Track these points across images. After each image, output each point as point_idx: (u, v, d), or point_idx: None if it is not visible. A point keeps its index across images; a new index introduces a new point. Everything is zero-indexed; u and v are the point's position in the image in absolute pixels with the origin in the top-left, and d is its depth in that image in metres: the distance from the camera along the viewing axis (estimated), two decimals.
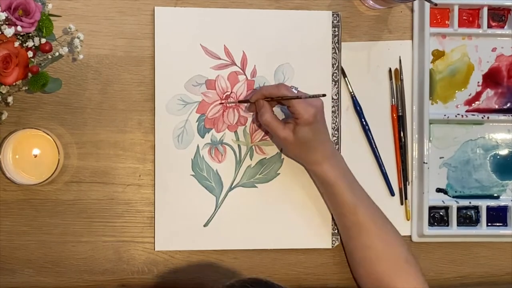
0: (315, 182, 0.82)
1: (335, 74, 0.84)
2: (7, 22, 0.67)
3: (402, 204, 0.85)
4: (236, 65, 0.83)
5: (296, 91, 0.76)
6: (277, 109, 0.82)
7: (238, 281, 0.60)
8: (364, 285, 0.79)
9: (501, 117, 0.87)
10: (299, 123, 0.75)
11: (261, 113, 0.77)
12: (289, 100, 0.75)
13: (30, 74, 0.71)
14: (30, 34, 0.70)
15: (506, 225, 0.86)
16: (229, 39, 0.83)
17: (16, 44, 0.68)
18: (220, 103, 0.82)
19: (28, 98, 0.80)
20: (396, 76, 0.86)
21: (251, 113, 0.82)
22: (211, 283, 0.83)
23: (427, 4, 0.84)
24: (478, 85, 0.87)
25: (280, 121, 0.77)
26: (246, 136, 0.83)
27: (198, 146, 0.82)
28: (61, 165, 0.77)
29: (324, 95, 0.74)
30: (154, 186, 0.81)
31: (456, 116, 0.86)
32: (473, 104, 0.87)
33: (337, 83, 0.84)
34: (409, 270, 0.76)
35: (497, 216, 0.87)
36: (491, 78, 0.87)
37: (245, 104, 0.82)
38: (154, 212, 0.81)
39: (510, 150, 0.88)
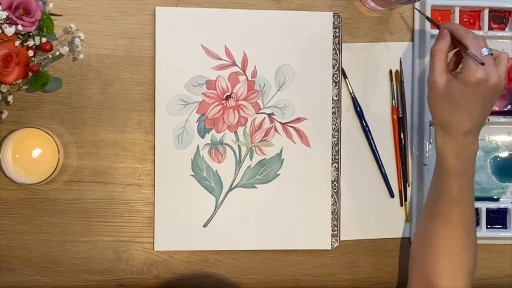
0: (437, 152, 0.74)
1: (335, 75, 0.84)
2: (7, 21, 0.67)
3: (402, 205, 0.85)
4: (236, 65, 0.83)
5: (487, 53, 0.68)
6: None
7: None
8: (417, 273, 0.75)
9: (501, 119, 0.87)
10: (460, 77, 0.68)
11: (438, 42, 0.71)
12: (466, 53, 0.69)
13: (30, 73, 0.71)
14: (31, 33, 0.70)
15: (506, 228, 0.86)
16: (230, 39, 0.82)
17: (17, 43, 0.68)
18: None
19: (28, 97, 0.80)
20: (396, 77, 0.86)
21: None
22: (210, 284, 0.83)
23: (428, 6, 0.84)
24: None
25: (446, 64, 0.71)
26: (246, 136, 0.83)
27: (198, 147, 0.82)
28: (60, 165, 0.77)
29: (483, 64, 0.66)
30: (154, 186, 0.81)
31: None
32: None
33: (337, 84, 0.84)
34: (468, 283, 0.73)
35: (496, 218, 0.87)
36: None
37: (245, 104, 0.82)
38: (154, 212, 0.81)
39: (510, 152, 0.88)
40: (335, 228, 0.83)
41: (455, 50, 0.75)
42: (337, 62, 0.84)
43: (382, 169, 0.85)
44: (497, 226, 0.87)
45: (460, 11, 0.85)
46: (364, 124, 0.85)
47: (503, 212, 0.87)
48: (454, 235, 0.73)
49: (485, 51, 0.69)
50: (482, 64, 0.67)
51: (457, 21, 0.85)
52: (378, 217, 0.85)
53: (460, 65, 0.74)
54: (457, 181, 0.72)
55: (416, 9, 0.83)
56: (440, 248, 0.73)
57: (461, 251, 0.73)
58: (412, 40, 0.86)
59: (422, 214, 0.79)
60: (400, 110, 0.85)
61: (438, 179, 0.74)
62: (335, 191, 0.84)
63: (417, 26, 0.85)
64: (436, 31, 0.85)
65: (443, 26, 0.73)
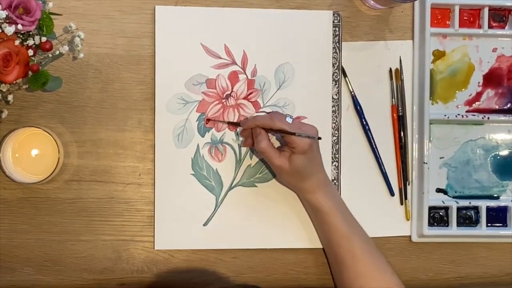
0: (307, 211, 0.82)
1: (335, 74, 0.84)
2: (7, 20, 0.67)
3: (402, 204, 0.85)
4: (236, 64, 0.83)
5: (291, 120, 0.75)
6: (272, 137, 0.82)
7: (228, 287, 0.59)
8: None
9: (502, 117, 0.87)
10: (294, 152, 0.75)
11: (257, 140, 0.76)
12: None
13: (30, 73, 0.71)
14: (31, 33, 0.70)
15: (506, 226, 0.86)
16: (230, 38, 0.82)
17: (17, 42, 0.68)
18: (207, 121, 0.81)
19: (28, 97, 0.80)
20: (396, 76, 0.86)
21: (241, 139, 0.82)
22: (211, 283, 0.83)
23: (428, 4, 0.84)
24: (479, 86, 0.87)
25: (276, 149, 0.77)
26: None
27: (198, 145, 0.82)
28: (61, 164, 0.77)
29: (319, 138, 0.75)
30: (154, 185, 0.81)
31: (456, 116, 0.86)
32: (473, 105, 0.87)
33: (337, 83, 0.84)
34: None
35: (497, 216, 0.87)
36: (492, 79, 0.87)
37: (245, 102, 0.82)
38: (154, 211, 0.81)
39: (510, 150, 0.88)
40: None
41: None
42: (337, 60, 0.84)
43: (382, 168, 0.85)
44: (497, 225, 0.87)
45: (460, 9, 0.85)
46: (364, 122, 0.85)
47: (503, 210, 0.87)
48: (367, 267, 0.76)
49: (289, 119, 0.76)
50: (302, 135, 0.74)
51: (457, 19, 0.85)
52: (378, 215, 0.85)
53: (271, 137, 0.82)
54: (341, 218, 0.77)
55: None
56: (362, 285, 0.76)
57: (383, 276, 0.76)
58: (412, 38, 0.86)
59: (330, 263, 0.82)
60: (400, 108, 0.85)
61: (324, 229, 0.79)
62: None
63: (417, 25, 0.85)
64: (436, 29, 0.85)
65: (247, 128, 0.79)
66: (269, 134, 0.78)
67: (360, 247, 0.77)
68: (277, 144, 0.82)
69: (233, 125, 0.82)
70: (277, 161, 0.76)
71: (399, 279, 0.77)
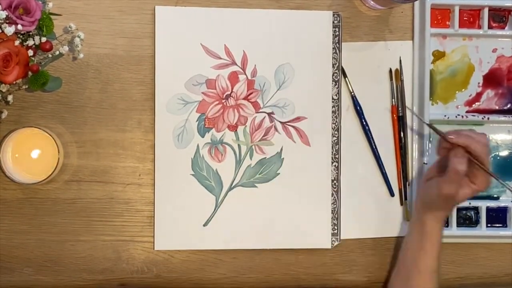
0: (410, 232, 0.81)
1: (335, 74, 0.84)
2: (7, 21, 0.67)
3: (402, 204, 0.85)
4: (236, 64, 0.83)
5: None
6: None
7: None
8: None
9: (502, 118, 0.87)
10: (472, 187, 0.74)
11: (460, 161, 0.73)
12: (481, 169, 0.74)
13: (30, 73, 0.71)
14: (31, 33, 0.70)
15: (506, 226, 0.86)
16: (230, 38, 0.82)
17: (17, 42, 0.68)
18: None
19: (28, 97, 0.80)
20: (396, 76, 0.86)
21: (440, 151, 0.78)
22: (211, 283, 0.83)
23: (428, 5, 0.84)
24: (479, 86, 0.87)
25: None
26: (246, 135, 0.83)
27: (198, 146, 0.82)
28: (60, 164, 0.77)
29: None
30: (154, 185, 0.81)
31: (456, 116, 0.86)
32: (473, 105, 0.87)
33: (337, 83, 0.84)
34: None
35: (496, 217, 0.87)
36: (492, 79, 0.87)
37: (245, 103, 0.82)
38: (154, 212, 0.81)
39: (510, 151, 0.88)
40: (335, 227, 0.83)
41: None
42: (337, 61, 0.84)
43: (382, 168, 0.85)
44: (497, 225, 0.87)
45: (459, 9, 0.85)
46: (364, 123, 0.85)
47: (503, 210, 0.87)
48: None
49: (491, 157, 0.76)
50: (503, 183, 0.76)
51: (457, 20, 0.85)
52: (378, 216, 0.85)
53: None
54: (437, 252, 0.77)
55: (430, 126, 0.81)
56: None
57: None
58: (412, 39, 0.86)
59: (396, 278, 0.81)
60: (400, 109, 0.85)
61: (417, 251, 0.78)
62: (335, 190, 0.84)
63: (417, 25, 0.85)
64: (436, 30, 0.85)
65: (460, 143, 0.74)
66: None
67: (437, 272, 0.77)
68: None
69: (444, 139, 0.76)
70: (461, 190, 0.74)
71: None
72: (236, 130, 0.83)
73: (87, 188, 0.81)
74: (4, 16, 0.66)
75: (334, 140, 0.84)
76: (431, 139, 0.85)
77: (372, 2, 0.84)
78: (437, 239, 0.77)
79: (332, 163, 0.84)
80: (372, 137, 0.85)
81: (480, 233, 0.85)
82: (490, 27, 0.87)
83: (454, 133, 0.75)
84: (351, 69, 0.85)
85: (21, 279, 0.80)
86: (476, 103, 0.87)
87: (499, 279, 0.87)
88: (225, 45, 0.82)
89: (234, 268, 0.83)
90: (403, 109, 0.85)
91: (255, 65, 0.83)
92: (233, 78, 0.83)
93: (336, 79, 0.84)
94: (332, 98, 0.84)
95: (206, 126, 0.82)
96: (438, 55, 0.87)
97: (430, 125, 0.80)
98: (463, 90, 0.87)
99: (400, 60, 0.86)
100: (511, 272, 0.87)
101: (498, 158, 0.87)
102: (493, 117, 0.86)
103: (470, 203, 0.86)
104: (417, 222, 0.78)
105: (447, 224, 0.85)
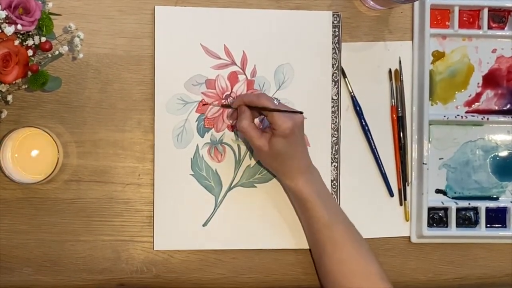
0: (289, 197, 0.82)
1: (335, 74, 0.84)
2: (7, 21, 0.67)
3: (401, 205, 0.85)
4: (236, 64, 0.83)
5: (277, 103, 0.75)
6: (257, 120, 0.81)
7: None
8: None
9: (501, 118, 0.87)
10: (275, 134, 0.74)
11: (240, 118, 0.76)
12: (268, 113, 0.75)
13: (30, 73, 0.71)
14: (30, 33, 0.70)
15: (505, 227, 0.86)
16: (229, 38, 0.83)
17: (16, 42, 0.68)
18: (203, 104, 0.81)
19: (27, 97, 0.80)
20: (396, 76, 0.86)
21: (231, 121, 0.82)
22: (210, 283, 0.83)
23: (428, 5, 0.84)
24: (478, 86, 0.87)
25: (258, 130, 0.76)
26: None
27: (197, 146, 0.82)
28: (60, 164, 0.77)
29: (301, 112, 0.75)
30: (153, 185, 0.81)
31: (456, 117, 0.86)
32: (473, 105, 0.87)
33: (337, 83, 0.84)
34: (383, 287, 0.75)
35: (496, 217, 0.87)
36: (491, 79, 0.87)
37: (228, 110, 0.82)
38: (153, 212, 0.81)
39: (510, 151, 0.88)
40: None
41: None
42: (336, 61, 0.84)
43: (382, 168, 0.85)
44: (497, 225, 0.87)
45: (459, 10, 0.85)
46: (364, 123, 0.85)
47: (503, 211, 0.87)
48: (348, 254, 0.76)
49: (276, 101, 0.75)
50: (286, 111, 0.75)
51: (456, 20, 0.85)
52: (377, 216, 0.85)
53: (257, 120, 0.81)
54: (322, 205, 0.76)
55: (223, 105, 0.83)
56: (342, 271, 0.76)
57: (364, 263, 0.76)
58: (412, 39, 0.86)
59: (312, 249, 0.81)
60: (399, 109, 0.85)
61: (305, 216, 0.78)
62: (334, 190, 0.84)
63: (416, 25, 0.85)
64: (435, 30, 0.85)
65: (236, 105, 0.78)
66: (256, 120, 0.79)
67: (340, 234, 0.76)
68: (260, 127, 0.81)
69: (226, 107, 0.81)
70: (257, 142, 0.75)
71: (380, 267, 0.76)
72: (235, 130, 0.83)
73: (87, 188, 0.81)
74: (4, 16, 0.66)
75: (333, 140, 0.84)
76: (430, 139, 0.85)
77: (371, 3, 0.84)
78: (308, 197, 0.77)
79: (332, 163, 0.84)
80: (371, 137, 0.85)
81: (480, 234, 0.85)
82: (489, 27, 0.87)
83: (235, 100, 0.79)
84: (351, 69, 0.85)
85: (21, 279, 0.80)
86: (476, 104, 0.87)
87: (499, 279, 0.87)
88: (224, 45, 0.82)
89: (233, 268, 0.83)
90: (403, 110, 0.85)
91: (254, 65, 0.83)
92: (233, 78, 0.83)
93: (336, 79, 0.84)
94: (332, 98, 0.84)
95: (205, 126, 0.82)
96: (438, 56, 0.87)
97: (222, 105, 0.82)
98: (462, 90, 0.87)
99: (400, 61, 0.86)
100: (511, 272, 0.87)
101: (498, 158, 0.87)
102: (492, 118, 0.86)
103: (469, 204, 0.86)
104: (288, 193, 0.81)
105: (446, 224, 0.85)
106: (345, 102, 0.85)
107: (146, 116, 0.82)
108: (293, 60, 0.83)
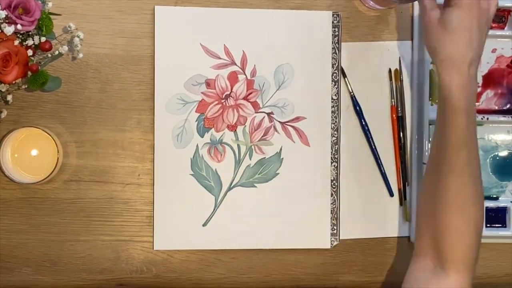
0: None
1: (335, 74, 0.84)
2: (7, 20, 0.67)
3: (401, 204, 0.85)
4: (236, 64, 0.83)
5: None
6: None
7: None
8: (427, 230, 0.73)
9: (501, 118, 0.87)
10: (452, 3, 0.68)
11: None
12: None
13: (29, 73, 0.71)
14: (30, 33, 0.70)
15: (505, 227, 0.86)
16: (229, 38, 0.82)
17: (16, 42, 0.68)
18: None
19: (27, 97, 0.80)
20: (396, 76, 0.86)
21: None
22: (210, 283, 0.83)
23: None
24: (478, 86, 0.87)
25: (435, 2, 0.70)
26: (245, 135, 0.83)
27: (197, 146, 0.82)
28: (60, 164, 0.77)
29: None
30: (153, 185, 0.81)
31: None
32: None
33: (336, 83, 0.84)
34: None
35: (496, 217, 0.87)
36: (491, 79, 0.87)
37: (244, 103, 0.82)
38: (153, 211, 0.81)
39: (510, 151, 0.88)
40: (335, 227, 0.83)
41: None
42: (336, 61, 0.84)
43: (382, 168, 0.85)
44: (497, 225, 0.87)
45: None
46: (364, 123, 0.85)
47: (503, 211, 0.87)
48: (461, 184, 0.70)
49: None
50: None
51: None
52: (377, 216, 0.85)
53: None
54: (465, 119, 0.69)
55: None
56: (447, 199, 0.70)
57: (469, 202, 0.70)
58: (412, 39, 0.86)
59: (427, 166, 0.75)
60: (399, 109, 0.85)
61: (443, 122, 0.70)
62: (334, 190, 0.84)
63: (416, 25, 0.85)
64: None
65: None
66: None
67: (472, 158, 0.70)
68: None
69: None
70: (431, 8, 0.69)
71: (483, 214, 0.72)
72: (235, 130, 0.83)
73: (87, 188, 0.81)
74: (4, 16, 0.66)
75: (333, 140, 0.84)
76: (430, 139, 0.85)
77: (371, 2, 0.84)
78: (458, 103, 0.68)
79: (332, 163, 0.84)
80: (371, 137, 0.85)
81: None
82: (489, 27, 0.87)
83: None
84: (351, 69, 0.85)
85: (20, 279, 0.80)
86: (476, 104, 0.87)
87: (499, 279, 0.87)
88: (224, 45, 0.82)
89: (233, 268, 0.83)
90: (403, 109, 0.85)
91: (254, 65, 0.83)
92: (233, 78, 0.83)
93: (336, 79, 0.84)
94: (332, 98, 0.84)
95: (205, 126, 0.82)
96: None
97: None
98: None
99: (400, 60, 0.86)
100: (511, 272, 0.87)
101: (498, 158, 0.87)
102: (492, 117, 0.86)
103: None
104: (438, 94, 0.71)
105: None
106: (345, 102, 0.85)
107: (146, 116, 0.82)
108: (293, 60, 0.83)
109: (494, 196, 0.87)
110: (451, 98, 0.69)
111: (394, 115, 0.85)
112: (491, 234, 0.85)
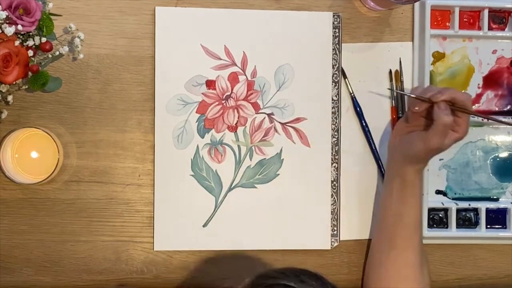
0: (388, 184, 0.79)
1: (335, 75, 0.84)
2: (7, 21, 0.67)
3: None
4: (236, 65, 0.83)
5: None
6: None
7: (287, 269, 0.60)
8: None
9: (501, 119, 0.86)
10: (456, 137, 0.74)
11: (446, 113, 0.73)
12: (464, 115, 0.74)
13: (30, 73, 0.71)
14: (31, 33, 0.70)
15: (505, 228, 0.86)
16: (230, 39, 0.83)
17: (17, 43, 0.68)
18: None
19: (28, 97, 0.80)
20: (396, 77, 0.86)
21: (417, 107, 0.76)
22: (210, 284, 0.83)
23: (428, 6, 0.84)
24: (478, 87, 0.87)
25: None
26: (246, 136, 0.83)
27: (197, 146, 0.82)
28: (60, 165, 0.77)
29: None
30: (154, 186, 0.81)
31: None
32: (473, 106, 0.87)
33: (337, 84, 0.84)
34: None
35: (496, 218, 0.87)
36: (492, 80, 0.87)
37: (245, 104, 0.82)
38: (153, 212, 0.81)
39: (510, 152, 0.88)
40: (335, 228, 0.83)
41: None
42: (337, 62, 0.84)
43: (382, 169, 0.85)
44: (497, 226, 0.87)
45: (459, 11, 0.85)
46: (364, 124, 0.85)
47: (503, 212, 0.87)
48: (415, 258, 0.77)
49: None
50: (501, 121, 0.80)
51: (457, 21, 0.85)
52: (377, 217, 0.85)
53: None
54: (420, 202, 0.78)
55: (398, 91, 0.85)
56: (403, 274, 0.77)
57: (421, 273, 0.78)
58: (412, 40, 0.86)
59: (378, 240, 0.82)
60: (399, 110, 0.85)
61: (400, 205, 0.77)
62: (334, 191, 0.84)
63: (417, 26, 0.85)
64: (435, 31, 0.85)
65: (441, 99, 0.74)
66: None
67: (419, 238, 0.78)
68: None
69: (421, 100, 0.75)
70: (446, 140, 0.74)
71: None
72: (236, 131, 0.83)
73: (87, 188, 0.81)
74: (4, 17, 0.66)
75: (334, 141, 0.84)
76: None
77: (372, 3, 0.84)
78: (419, 191, 0.77)
79: (332, 164, 0.84)
80: (372, 138, 0.85)
81: (480, 234, 0.85)
82: (490, 28, 0.87)
83: (436, 93, 0.74)
84: (351, 70, 0.85)
85: (21, 279, 0.80)
86: (476, 105, 0.87)
87: (499, 280, 0.87)
88: (225, 45, 0.82)
89: (233, 269, 0.83)
90: (403, 110, 0.85)
91: (255, 66, 0.83)
92: (233, 78, 0.83)
93: (336, 80, 0.84)
94: (332, 99, 0.84)
95: (206, 126, 0.82)
96: (438, 56, 0.87)
97: (416, 97, 0.76)
98: (462, 91, 0.87)
99: (400, 61, 0.86)
100: (511, 273, 0.87)
101: (498, 159, 0.87)
102: None
103: (469, 204, 0.86)
104: (396, 177, 0.77)
105: (446, 225, 0.85)
106: (346, 102, 0.85)
107: (146, 116, 0.82)
108: (294, 61, 0.83)
109: (495, 197, 0.87)
110: (414, 184, 0.77)
111: (394, 116, 0.85)
112: (491, 235, 0.86)
